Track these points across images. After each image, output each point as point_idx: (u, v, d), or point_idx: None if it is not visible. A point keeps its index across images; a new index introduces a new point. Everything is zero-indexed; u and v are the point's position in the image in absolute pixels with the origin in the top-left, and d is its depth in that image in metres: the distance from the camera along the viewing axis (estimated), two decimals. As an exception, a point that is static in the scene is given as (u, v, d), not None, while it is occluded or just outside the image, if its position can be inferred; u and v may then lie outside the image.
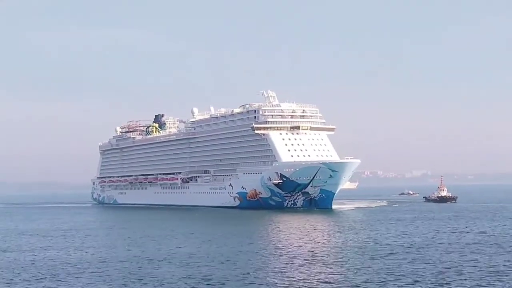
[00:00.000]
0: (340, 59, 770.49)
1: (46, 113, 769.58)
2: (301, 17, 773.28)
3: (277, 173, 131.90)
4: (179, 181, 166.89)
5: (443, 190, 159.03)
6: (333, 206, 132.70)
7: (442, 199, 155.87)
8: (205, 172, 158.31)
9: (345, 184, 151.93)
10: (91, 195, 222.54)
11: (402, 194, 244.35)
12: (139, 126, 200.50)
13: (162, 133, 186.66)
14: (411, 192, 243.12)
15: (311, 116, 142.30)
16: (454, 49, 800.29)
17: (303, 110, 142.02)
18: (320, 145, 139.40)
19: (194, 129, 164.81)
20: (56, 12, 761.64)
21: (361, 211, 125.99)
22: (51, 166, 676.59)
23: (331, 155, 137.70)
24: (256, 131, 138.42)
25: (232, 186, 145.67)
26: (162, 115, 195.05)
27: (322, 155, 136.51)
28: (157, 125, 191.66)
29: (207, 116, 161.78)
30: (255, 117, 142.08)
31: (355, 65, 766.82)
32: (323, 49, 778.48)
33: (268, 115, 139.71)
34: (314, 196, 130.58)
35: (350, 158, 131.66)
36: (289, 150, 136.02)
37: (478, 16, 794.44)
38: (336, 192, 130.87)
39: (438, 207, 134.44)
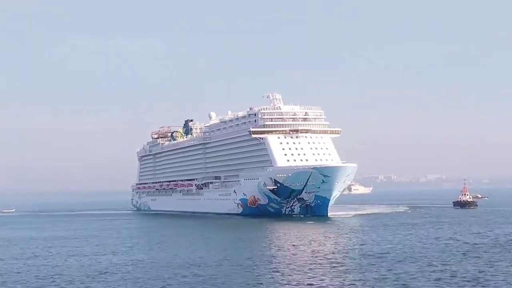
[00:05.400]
0: (353, 65, 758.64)
1: (87, 123, 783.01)
2: (310, 26, 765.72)
3: (271, 178, 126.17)
4: (194, 187, 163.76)
5: (466, 194, 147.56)
6: (340, 213, 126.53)
7: (459, 204, 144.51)
8: (216, 178, 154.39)
9: (360, 189, 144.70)
10: (131, 201, 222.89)
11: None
12: (169, 132, 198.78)
13: (186, 138, 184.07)
14: (480, 196, 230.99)
15: (314, 118, 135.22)
16: (458, 56, 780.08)
17: (306, 113, 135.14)
18: (321, 148, 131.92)
19: (209, 134, 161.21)
20: (78, 25, 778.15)
21: (360, 218, 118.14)
22: (97, 173, 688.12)
23: (332, 159, 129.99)
24: (253, 135, 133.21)
25: (236, 192, 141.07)
26: (191, 120, 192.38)
27: (321, 159, 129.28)
28: (182, 130, 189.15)
29: (218, 121, 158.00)
30: (255, 120, 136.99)
31: (366, 70, 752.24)
32: (340, 56, 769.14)
33: (267, 118, 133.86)
34: (310, 203, 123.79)
35: (342, 162, 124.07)
36: (285, 155, 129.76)
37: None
38: (332, 199, 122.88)
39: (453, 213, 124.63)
